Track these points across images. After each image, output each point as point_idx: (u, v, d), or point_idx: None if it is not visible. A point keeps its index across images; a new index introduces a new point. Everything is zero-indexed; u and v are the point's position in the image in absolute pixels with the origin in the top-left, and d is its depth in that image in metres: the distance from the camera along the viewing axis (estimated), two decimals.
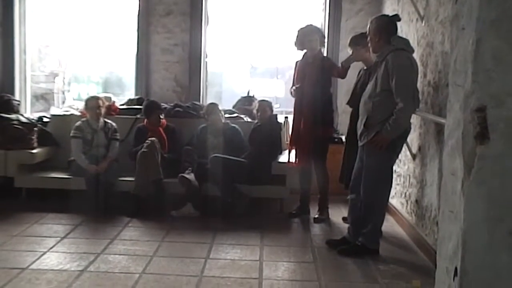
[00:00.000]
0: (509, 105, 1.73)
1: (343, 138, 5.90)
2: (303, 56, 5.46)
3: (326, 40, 5.69)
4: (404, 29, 5.29)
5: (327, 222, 5.43)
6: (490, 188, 1.77)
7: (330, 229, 5.25)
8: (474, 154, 1.77)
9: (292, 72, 5.66)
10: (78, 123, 5.89)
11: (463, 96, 1.82)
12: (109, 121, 6.02)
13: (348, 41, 5.23)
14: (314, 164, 5.49)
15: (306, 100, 5.35)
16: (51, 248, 4.42)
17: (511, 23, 1.71)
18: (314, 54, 5.36)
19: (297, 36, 5.38)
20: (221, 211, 5.41)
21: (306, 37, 5.34)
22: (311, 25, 5.45)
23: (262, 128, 5.83)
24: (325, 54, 5.76)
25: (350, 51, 5.18)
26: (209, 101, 6.66)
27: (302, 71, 5.39)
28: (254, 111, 6.20)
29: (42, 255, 4.24)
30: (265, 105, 5.91)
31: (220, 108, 6.07)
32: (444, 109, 3.56)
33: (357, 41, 5.03)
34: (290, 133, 5.70)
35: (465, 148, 1.80)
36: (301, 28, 5.40)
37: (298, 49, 5.46)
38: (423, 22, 4.79)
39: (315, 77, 5.30)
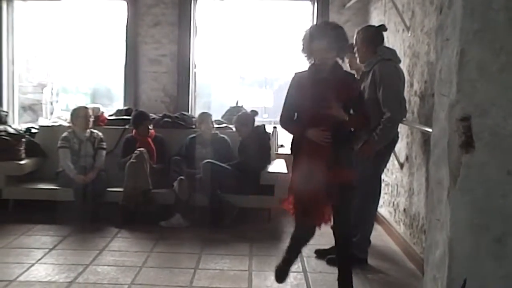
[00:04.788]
0: (493, 114, 1.76)
1: None
2: (311, 68, 3.68)
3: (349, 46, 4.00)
4: (391, 39, 5.34)
5: None
6: (476, 196, 1.79)
7: (319, 238, 5.25)
8: (459, 163, 1.79)
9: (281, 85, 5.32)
10: (65, 134, 5.87)
11: (448, 105, 1.84)
12: (95, 130, 6.02)
13: None
14: (338, 217, 3.68)
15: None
16: (39, 259, 4.39)
17: (494, 33, 1.74)
18: (328, 66, 3.60)
19: (303, 39, 3.67)
20: (210, 221, 5.41)
21: (315, 41, 3.60)
22: (325, 23, 3.97)
23: (247, 141, 5.82)
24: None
25: (346, 59, 5.19)
26: (197, 111, 6.67)
27: (310, 90, 3.58)
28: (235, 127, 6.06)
29: (30, 267, 4.21)
30: (244, 120, 5.91)
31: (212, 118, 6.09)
32: (431, 118, 3.64)
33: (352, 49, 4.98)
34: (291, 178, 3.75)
35: (450, 157, 1.83)
36: (310, 28, 3.75)
37: (306, 58, 3.73)
38: (409, 32, 4.84)
39: (333, 101, 3.54)
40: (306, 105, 3.58)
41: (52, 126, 6.50)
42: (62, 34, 7.45)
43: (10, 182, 5.80)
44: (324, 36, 3.55)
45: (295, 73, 3.75)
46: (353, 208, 3.97)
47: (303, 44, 3.65)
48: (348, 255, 3.74)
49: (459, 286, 1.79)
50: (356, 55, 4.46)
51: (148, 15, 6.84)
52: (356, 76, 4.55)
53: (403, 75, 4.34)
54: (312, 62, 3.66)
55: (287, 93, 3.72)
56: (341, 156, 3.54)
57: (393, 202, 5.29)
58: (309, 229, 3.70)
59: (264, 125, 6.06)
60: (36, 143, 6.24)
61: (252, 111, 6.14)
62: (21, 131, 6.26)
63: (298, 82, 3.67)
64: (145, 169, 5.53)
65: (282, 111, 3.75)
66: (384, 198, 5.47)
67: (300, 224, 3.72)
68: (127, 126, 6.30)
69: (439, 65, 1.97)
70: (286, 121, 3.74)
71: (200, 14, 6.96)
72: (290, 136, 3.84)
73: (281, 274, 3.80)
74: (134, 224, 5.36)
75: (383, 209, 5.55)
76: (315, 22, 6.72)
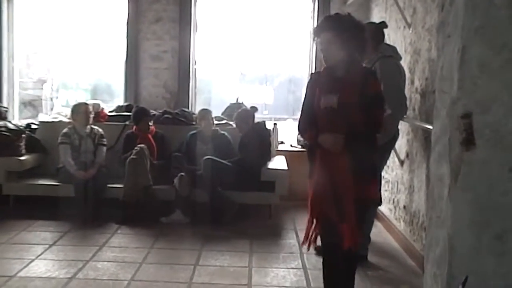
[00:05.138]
0: (494, 111, 1.76)
1: None
2: (327, 66, 3.24)
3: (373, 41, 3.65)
4: (392, 36, 5.33)
5: None
6: (476, 193, 1.79)
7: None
8: (460, 160, 1.79)
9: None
10: (65, 129, 5.87)
11: (449, 102, 1.84)
12: (95, 127, 6.01)
13: None
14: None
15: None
16: (39, 255, 4.39)
17: (495, 30, 1.74)
18: (340, 63, 3.11)
19: (312, 33, 3.36)
20: (210, 217, 5.41)
21: (320, 34, 3.16)
22: (335, 14, 3.27)
23: (247, 137, 5.81)
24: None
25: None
26: (198, 108, 6.66)
27: (321, 92, 3.14)
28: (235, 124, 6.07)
29: (30, 262, 4.21)
30: (244, 117, 5.91)
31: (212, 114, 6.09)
32: (432, 115, 3.62)
33: None
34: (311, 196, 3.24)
35: (451, 154, 1.82)
36: (324, 18, 3.28)
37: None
38: (410, 29, 4.83)
39: (353, 103, 3.04)
40: (317, 109, 3.11)
41: (53, 122, 6.50)
42: (63, 30, 7.43)
43: (11, 178, 5.80)
44: (328, 28, 3.07)
45: (311, 74, 3.44)
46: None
47: (313, 39, 3.18)
48: (353, 266, 3.32)
49: (459, 283, 1.79)
50: None
51: (149, 11, 6.83)
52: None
53: (404, 72, 4.33)
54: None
55: (304, 96, 3.29)
56: (357, 166, 2.99)
57: (393, 199, 5.29)
58: (333, 250, 3.21)
59: (264, 122, 6.07)
60: (37, 139, 6.23)
61: (252, 107, 6.14)
62: (21, 127, 6.26)
63: (312, 84, 3.22)
64: (145, 165, 5.53)
65: (300, 117, 3.29)
66: (384, 195, 5.46)
67: (325, 244, 3.28)
68: (127, 122, 6.29)
69: (441, 62, 1.97)
70: (302, 127, 3.26)
71: (200, 11, 6.95)
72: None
73: None
74: (134, 220, 5.36)
75: (383, 206, 5.55)
76: (315, 19, 6.71)
